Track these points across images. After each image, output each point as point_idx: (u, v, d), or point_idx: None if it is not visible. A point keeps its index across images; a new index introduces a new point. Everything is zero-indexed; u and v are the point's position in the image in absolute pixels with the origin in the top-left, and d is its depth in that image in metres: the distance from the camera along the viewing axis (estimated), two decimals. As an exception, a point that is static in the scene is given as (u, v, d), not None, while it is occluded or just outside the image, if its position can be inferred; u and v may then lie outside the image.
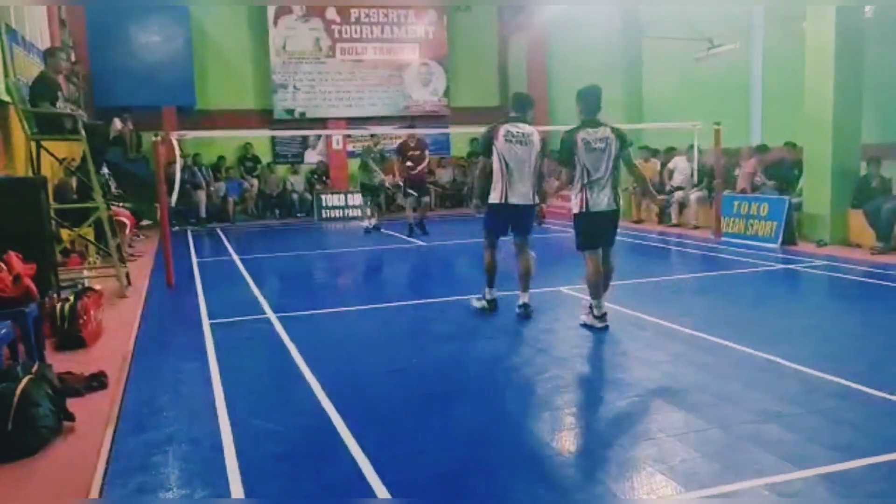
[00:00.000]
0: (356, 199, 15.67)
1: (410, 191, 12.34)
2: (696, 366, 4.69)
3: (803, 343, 5.10)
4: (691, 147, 11.20)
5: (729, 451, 3.37)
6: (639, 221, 13.07)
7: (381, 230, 13.06)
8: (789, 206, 9.79)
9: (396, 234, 12.47)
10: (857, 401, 3.99)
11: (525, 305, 6.02)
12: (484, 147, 5.99)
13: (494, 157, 5.87)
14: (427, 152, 12.80)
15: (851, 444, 3.38)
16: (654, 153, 13.24)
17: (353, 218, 15.77)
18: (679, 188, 12.34)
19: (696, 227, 11.75)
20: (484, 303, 6.26)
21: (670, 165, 12.69)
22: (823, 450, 3.33)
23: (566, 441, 3.60)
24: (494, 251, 6.17)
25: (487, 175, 5.93)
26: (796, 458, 3.24)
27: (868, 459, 3.21)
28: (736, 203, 10.70)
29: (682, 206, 12.28)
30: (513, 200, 5.84)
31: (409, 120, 16.71)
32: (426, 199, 13.07)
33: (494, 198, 5.90)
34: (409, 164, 12.22)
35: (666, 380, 4.46)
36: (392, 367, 4.95)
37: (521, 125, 5.92)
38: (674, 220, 12.31)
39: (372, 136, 13.91)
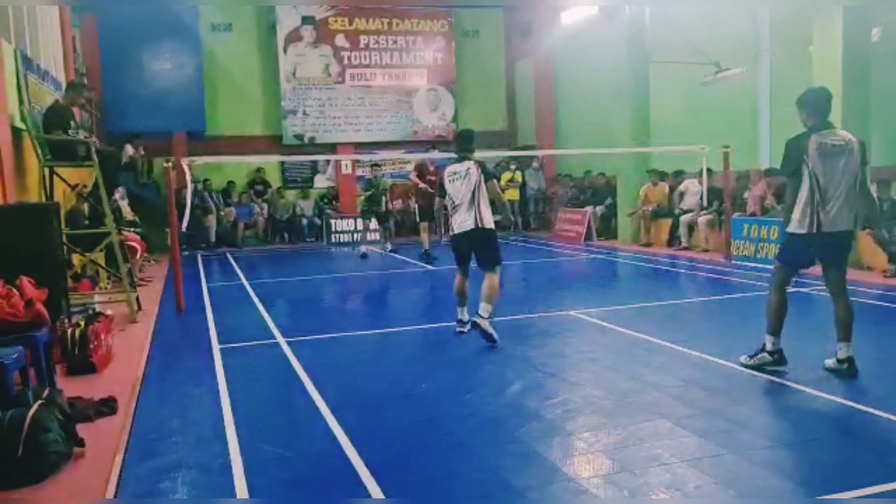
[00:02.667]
0: (366, 223, 15.79)
1: (424, 214, 12.41)
2: (709, 390, 4.65)
3: (818, 368, 5.04)
4: (708, 170, 11.18)
5: (743, 477, 3.32)
6: (648, 245, 13.04)
7: (394, 253, 13.10)
8: (799, 229, 9.73)
9: (402, 258, 12.47)
10: (874, 427, 3.94)
11: (474, 323, 6.07)
12: (440, 189, 6.68)
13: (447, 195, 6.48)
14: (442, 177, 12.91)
15: (869, 470, 3.33)
16: (663, 176, 13.25)
17: (364, 242, 15.80)
18: (688, 211, 12.33)
19: (705, 251, 11.71)
20: (457, 324, 6.56)
21: (681, 188, 12.67)
22: (840, 476, 3.28)
23: (578, 467, 3.57)
24: (462, 277, 6.48)
25: (446, 209, 6.67)
26: (812, 485, 3.19)
27: (886, 486, 3.16)
28: (746, 226, 10.67)
29: (692, 229, 12.25)
30: (457, 231, 6.31)
31: (429, 144, 16.88)
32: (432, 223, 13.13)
33: (452, 230, 6.51)
34: (424, 185, 12.34)
35: (678, 404, 4.41)
36: (401, 391, 4.93)
37: (462, 163, 6.34)
38: (683, 244, 12.28)
39: (373, 166, 14.13)
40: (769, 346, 5.00)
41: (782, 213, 5.04)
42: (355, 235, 16.03)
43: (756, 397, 4.47)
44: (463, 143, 6.52)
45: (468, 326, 6.37)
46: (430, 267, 11.41)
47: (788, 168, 4.95)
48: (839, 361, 4.84)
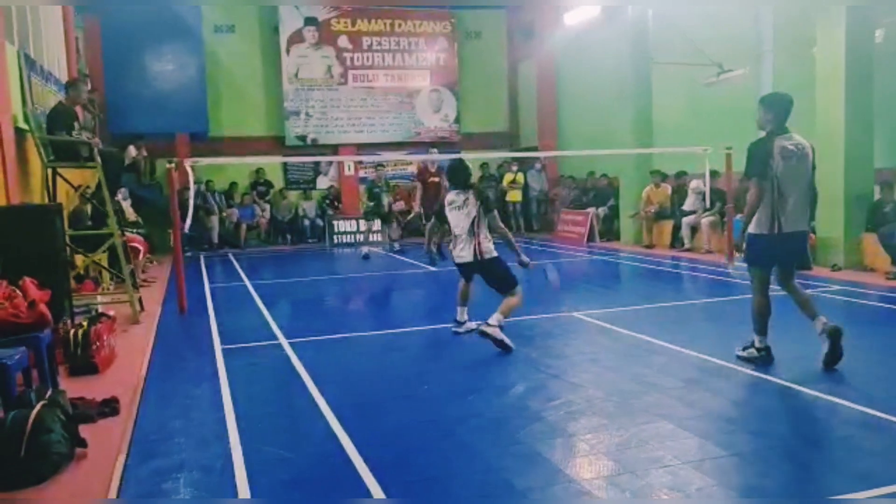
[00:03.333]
0: (368, 224, 15.87)
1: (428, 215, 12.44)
2: (711, 392, 4.64)
3: (820, 369, 5.04)
4: (711, 172, 11.16)
5: (746, 479, 3.32)
6: (650, 246, 13.03)
7: (397, 254, 13.10)
8: (802, 231, 9.72)
9: (403, 259, 12.47)
10: (878, 428, 3.92)
11: (481, 331, 5.83)
12: (439, 214, 6.83)
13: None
14: (444, 179, 12.90)
15: (873, 473, 3.32)
16: (665, 177, 13.24)
17: (366, 243, 15.82)
18: (691, 212, 12.31)
19: (708, 252, 11.70)
20: (454, 324, 6.56)
21: (692, 186, 12.56)
22: (844, 478, 3.28)
23: (580, 468, 3.56)
24: (466, 282, 6.45)
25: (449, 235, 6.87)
26: (816, 486, 3.19)
27: (890, 488, 3.15)
28: (748, 227, 10.63)
29: (694, 230, 12.24)
30: (457, 261, 6.28)
31: (429, 144, 16.88)
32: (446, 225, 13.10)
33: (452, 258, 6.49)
34: (425, 188, 12.46)
35: (680, 406, 4.40)
36: (403, 392, 4.93)
37: (459, 193, 6.19)
38: (686, 245, 12.26)
39: (377, 167, 14.18)
40: (757, 344, 5.24)
41: (744, 215, 5.22)
42: (357, 236, 16.04)
43: (758, 399, 4.47)
44: (457, 177, 6.28)
45: (464, 328, 6.35)
46: (431, 268, 11.41)
47: (756, 170, 5.09)
48: (828, 332, 5.00)
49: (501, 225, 6.30)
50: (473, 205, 6.02)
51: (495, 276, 6.08)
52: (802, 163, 5.07)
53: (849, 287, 8.35)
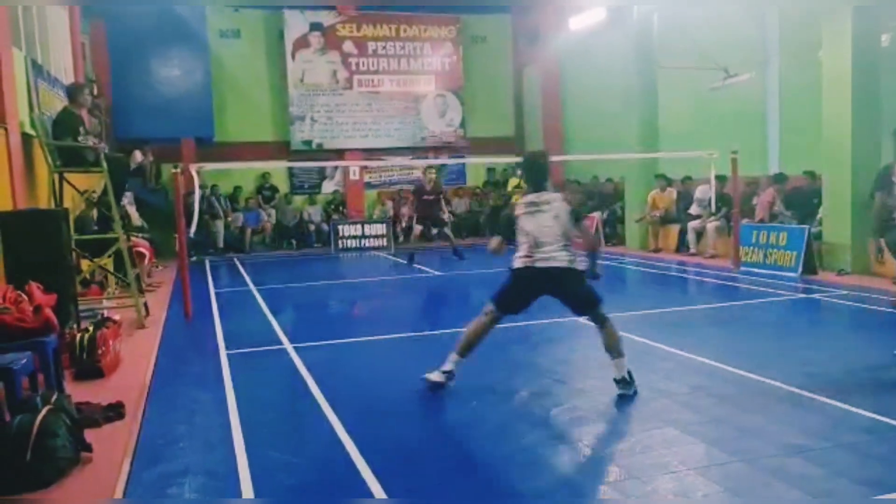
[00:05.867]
0: (373, 229, 16.15)
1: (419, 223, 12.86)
2: (717, 397, 4.62)
3: (828, 374, 5.01)
4: (717, 176, 11.14)
5: (753, 485, 3.30)
6: (657, 251, 13.00)
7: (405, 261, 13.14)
8: (809, 236, 9.70)
9: (405, 262, 12.47)
10: (885, 434, 3.90)
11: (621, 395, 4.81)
12: (505, 225, 5.27)
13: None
14: (441, 196, 13.17)
15: (881, 479, 3.30)
16: (670, 182, 13.21)
17: (371, 248, 15.86)
18: (697, 217, 12.27)
19: (713, 257, 11.66)
20: (437, 373, 5.02)
21: (697, 194, 12.54)
22: (851, 484, 3.25)
23: (585, 474, 3.55)
24: (494, 319, 5.08)
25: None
26: (823, 494, 3.16)
27: (897, 495, 3.14)
28: (755, 232, 10.62)
29: (700, 235, 12.21)
30: (539, 265, 4.93)
31: (428, 150, 16.92)
32: (444, 230, 13.10)
33: (524, 263, 5.03)
34: (417, 203, 12.92)
35: (686, 412, 4.38)
36: (408, 398, 4.91)
37: (541, 194, 5.14)
38: (692, 250, 12.23)
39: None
40: None
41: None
42: (363, 241, 16.06)
43: (765, 404, 4.44)
44: (537, 176, 5.24)
45: (447, 378, 4.95)
46: (437, 273, 11.41)
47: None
48: None
49: (592, 235, 5.39)
50: (564, 210, 4.96)
51: (582, 289, 4.94)
52: None
53: (856, 292, 8.30)
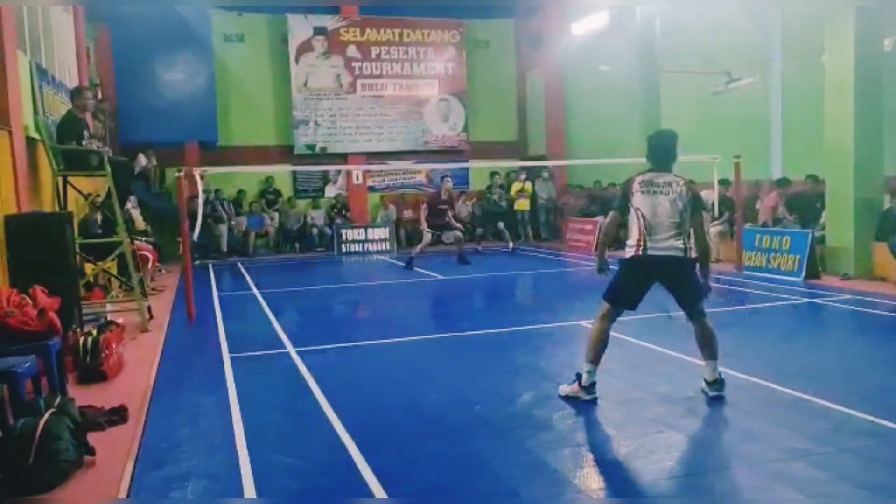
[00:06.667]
0: (376, 233, 16.25)
1: (430, 230, 12.81)
2: (720, 402, 4.61)
3: (831, 379, 5.00)
4: (720, 181, 11.13)
5: (756, 489, 3.29)
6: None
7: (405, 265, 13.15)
8: (812, 240, 9.69)
9: (415, 268, 12.48)
10: (889, 438, 3.89)
11: (716, 397, 4.72)
12: (621, 204, 4.90)
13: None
14: (454, 204, 13.42)
15: (884, 484, 3.30)
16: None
17: (374, 252, 15.89)
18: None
19: (716, 261, 11.64)
20: (583, 391, 4.80)
21: (703, 196, 12.53)
22: (854, 489, 3.25)
23: (588, 479, 3.54)
24: (611, 321, 4.92)
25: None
26: (826, 498, 3.16)
27: (901, 500, 3.13)
28: (758, 236, 10.61)
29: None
30: (654, 253, 4.72)
31: (426, 154, 16.93)
32: (458, 234, 13.13)
33: (637, 251, 4.82)
34: (430, 211, 12.78)
35: (689, 416, 4.38)
36: (410, 401, 4.91)
37: (662, 175, 4.83)
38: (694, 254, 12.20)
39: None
40: None
41: None
42: (366, 245, 16.09)
43: (766, 409, 4.43)
44: (663, 155, 4.86)
45: (588, 395, 4.73)
46: (440, 277, 11.42)
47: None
48: None
49: (706, 233, 5.12)
50: (685, 196, 4.69)
51: (692, 281, 4.78)
52: None
53: (859, 296, 8.29)
